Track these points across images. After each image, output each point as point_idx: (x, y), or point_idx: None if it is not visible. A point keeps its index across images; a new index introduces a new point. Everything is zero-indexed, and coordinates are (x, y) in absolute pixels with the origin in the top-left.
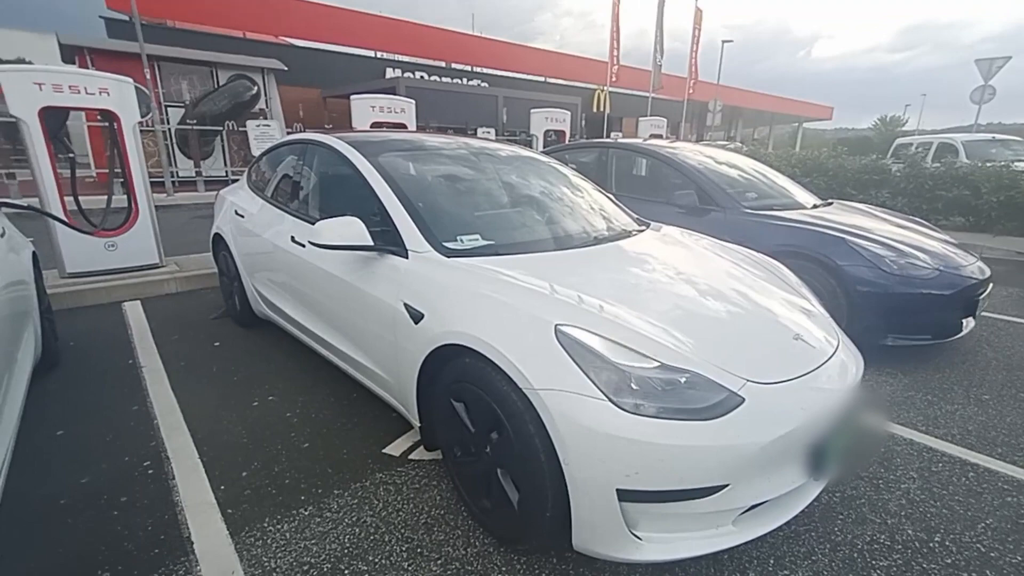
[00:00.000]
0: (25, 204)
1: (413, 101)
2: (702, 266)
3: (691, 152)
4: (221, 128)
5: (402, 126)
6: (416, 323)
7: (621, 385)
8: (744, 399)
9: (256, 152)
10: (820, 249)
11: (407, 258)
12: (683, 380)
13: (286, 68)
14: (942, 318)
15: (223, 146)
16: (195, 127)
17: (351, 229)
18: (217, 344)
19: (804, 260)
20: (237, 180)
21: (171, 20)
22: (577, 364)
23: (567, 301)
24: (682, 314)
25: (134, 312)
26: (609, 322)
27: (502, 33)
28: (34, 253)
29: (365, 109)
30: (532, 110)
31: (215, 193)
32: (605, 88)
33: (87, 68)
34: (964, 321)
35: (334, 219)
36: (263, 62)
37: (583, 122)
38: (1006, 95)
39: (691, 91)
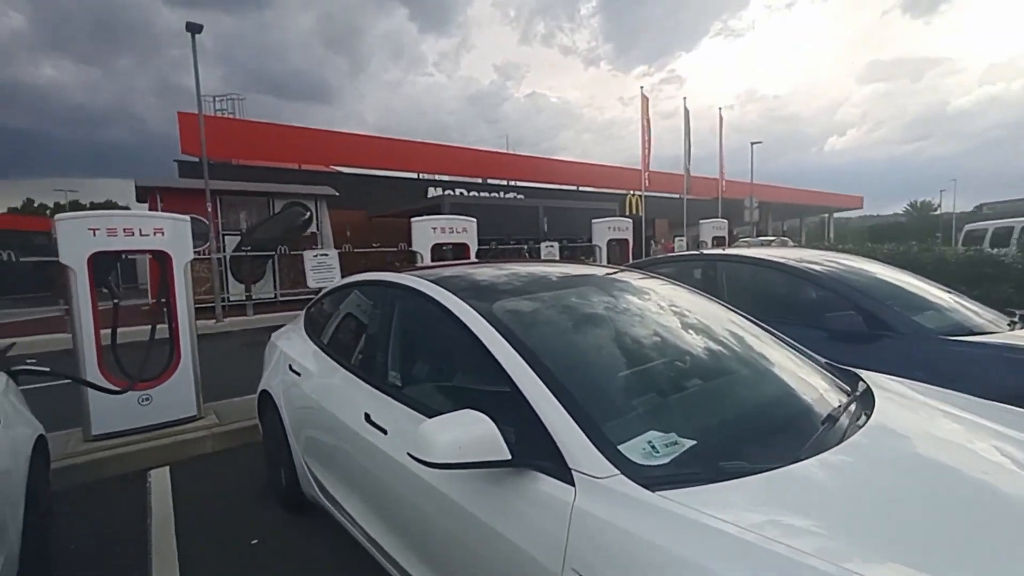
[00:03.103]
0: (47, 369)
1: (474, 220)
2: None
3: (819, 260)
4: (273, 252)
5: (464, 246)
6: None
7: None
8: None
9: (313, 284)
10: None
11: (572, 484)
12: None
13: (337, 194)
14: None
15: (274, 269)
16: (249, 253)
17: (475, 432)
18: (255, 542)
19: None
20: (290, 315)
21: (235, 159)
22: None
23: None
24: None
25: (160, 487)
26: None
27: (529, 150)
28: (41, 438)
29: (426, 231)
30: (594, 220)
31: (262, 317)
32: (636, 193)
33: (157, 206)
34: None
35: (445, 417)
36: (316, 189)
37: None
38: None
39: (724, 190)
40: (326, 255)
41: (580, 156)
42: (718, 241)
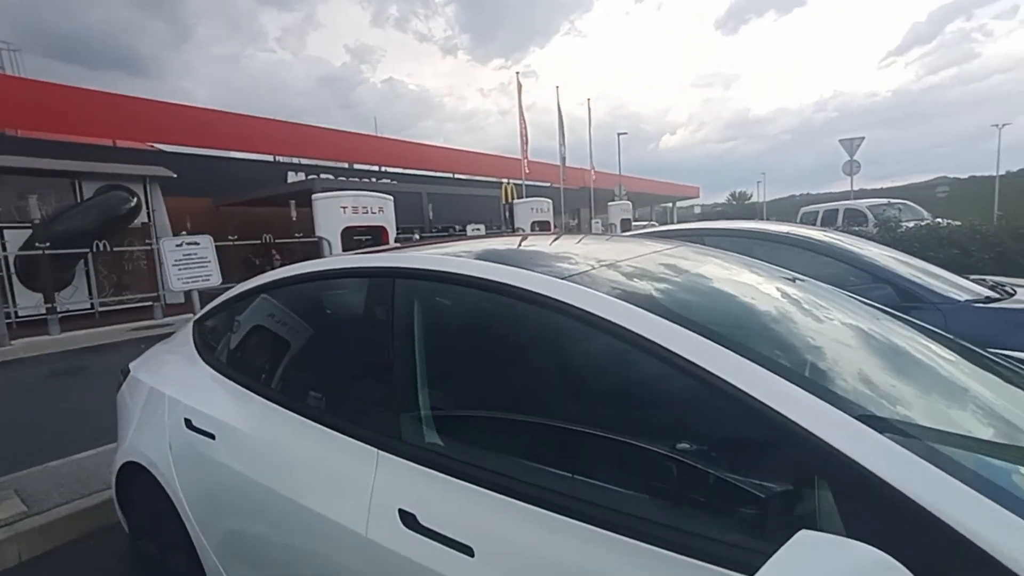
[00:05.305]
0: None
1: (391, 198)
2: None
3: (817, 234)
4: (87, 250)
5: (381, 230)
6: None
7: None
8: None
9: (179, 285)
10: None
11: None
12: None
13: (175, 176)
14: None
15: (87, 271)
16: (48, 251)
17: None
18: None
19: None
20: (118, 329)
21: (13, 129)
22: None
23: None
24: None
25: None
26: None
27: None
28: None
29: (333, 211)
30: (515, 202)
31: (74, 335)
32: (512, 181)
33: None
34: None
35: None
36: (147, 170)
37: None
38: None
39: (594, 179)
40: (196, 243)
41: (444, 145)
42: (624, 223)
